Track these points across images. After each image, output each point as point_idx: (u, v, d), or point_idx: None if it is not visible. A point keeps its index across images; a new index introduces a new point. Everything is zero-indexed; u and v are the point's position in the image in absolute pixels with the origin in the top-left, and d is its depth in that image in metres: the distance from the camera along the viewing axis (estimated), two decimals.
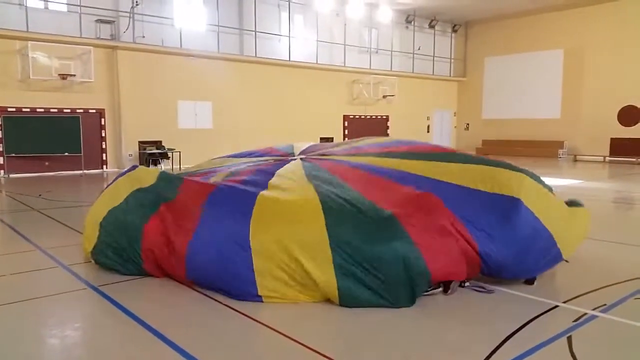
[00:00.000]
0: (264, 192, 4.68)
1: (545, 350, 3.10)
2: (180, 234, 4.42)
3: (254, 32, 19.12)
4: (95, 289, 4.40)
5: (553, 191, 4.89)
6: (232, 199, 4.62)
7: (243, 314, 3.78)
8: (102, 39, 15.90)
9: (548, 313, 3.73)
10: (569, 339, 3.26)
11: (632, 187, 12.28)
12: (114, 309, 3.95)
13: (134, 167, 5.58)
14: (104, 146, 16.30)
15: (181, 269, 4.37)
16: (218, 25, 18.21)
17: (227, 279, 4.09)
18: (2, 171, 14.48)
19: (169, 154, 16.74)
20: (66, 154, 15.37)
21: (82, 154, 15.58)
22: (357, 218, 4.16)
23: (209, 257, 4.18)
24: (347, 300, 3.87)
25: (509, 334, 3.34)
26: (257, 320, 3.68)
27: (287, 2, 20.10)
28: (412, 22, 24.39)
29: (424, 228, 4.09)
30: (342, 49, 22.00)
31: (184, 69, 17.30)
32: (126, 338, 3.43)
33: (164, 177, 5.21)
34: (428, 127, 25.88)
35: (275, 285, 4.00)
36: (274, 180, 5.09)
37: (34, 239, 6.33)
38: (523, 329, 3.43)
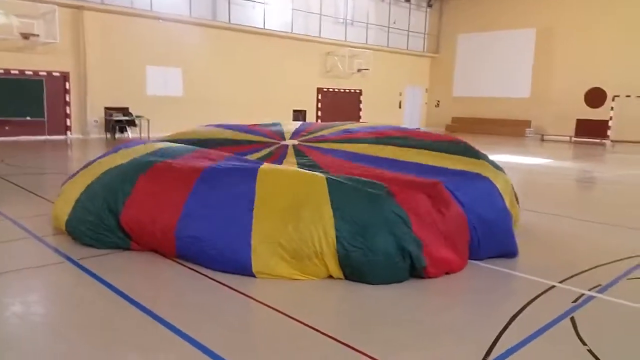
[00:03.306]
0: (264, 166, 4.54)
1: (551, 332, 3.07)
2: (166, 210, 4.21)
3: None
4: (75, 263, 4.15)
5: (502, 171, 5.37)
6: (230, 174, 4.43)
7: (237, 290, 3.63)
8: None
9: (546, 293, 3.72)
10: (573, 320, 3.25)
11: (601, 168, 12.57)
12: (98, 284, 3.72)
13: (117, 149, 5.51)
14: (68, 111, 15.57)
15: (170, 244, 4.16)
16: None
17: (222, 252, 3.92)
18: None
19: (137, 121, 16.17)
20: (28, 118, 14.63)
21: (45, 119, 14.85)
22: (358, 191, 4.06)
23: (204, 230, 4.00)
24: (345, 265, 3.80)
25: (511, 315, 3.31)
26: (252, 298, 3.54)
27: None
28: None
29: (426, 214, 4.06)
30: (317, 19, 21.54)
31: (153, 33, 16.61)
32: (115, 316, 3.22)
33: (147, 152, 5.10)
34: (400, 102, 25.84)
35: (271, 261, 3.84)
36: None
37: (1, 208, 5.96)
38: (525, 310, 3.40)
